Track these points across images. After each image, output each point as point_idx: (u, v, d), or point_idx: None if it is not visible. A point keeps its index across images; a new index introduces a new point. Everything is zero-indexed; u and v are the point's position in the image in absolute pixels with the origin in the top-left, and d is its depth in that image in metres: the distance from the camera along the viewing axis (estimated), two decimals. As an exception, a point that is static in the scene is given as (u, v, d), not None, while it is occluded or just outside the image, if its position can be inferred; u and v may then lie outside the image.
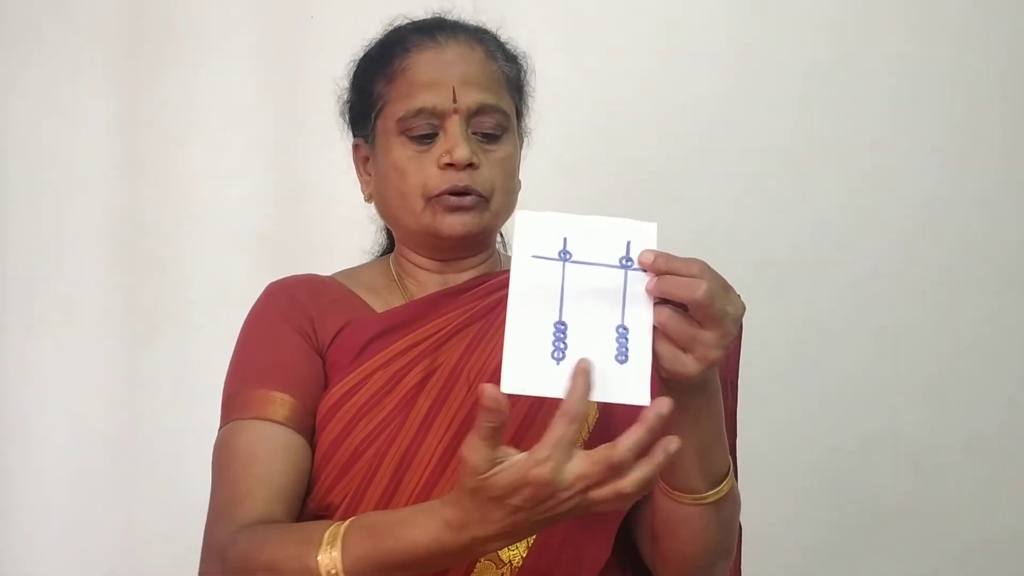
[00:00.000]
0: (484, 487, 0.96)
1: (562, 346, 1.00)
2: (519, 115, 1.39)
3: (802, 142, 2.15)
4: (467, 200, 1.29)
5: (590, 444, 1.12)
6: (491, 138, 1.31)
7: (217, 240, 2.19)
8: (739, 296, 1.03)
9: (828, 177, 2.15)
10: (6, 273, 2.22)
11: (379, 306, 1.34)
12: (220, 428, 1.28)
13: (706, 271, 1.00)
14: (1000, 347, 2.14)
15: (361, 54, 1.40)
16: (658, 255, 1.01)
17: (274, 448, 1.22)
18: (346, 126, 1.42)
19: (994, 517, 2.13)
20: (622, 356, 1.01)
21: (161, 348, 2.18)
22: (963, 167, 2.15)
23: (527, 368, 1.00)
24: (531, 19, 2.12)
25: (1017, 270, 2.15)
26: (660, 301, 1.01)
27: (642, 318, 1.01)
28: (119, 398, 2.19)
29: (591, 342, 1.01)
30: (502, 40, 1.39)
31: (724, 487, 1.14)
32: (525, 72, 1.40)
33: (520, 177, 1.38)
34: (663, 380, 1.05)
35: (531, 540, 1.17)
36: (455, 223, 1.29)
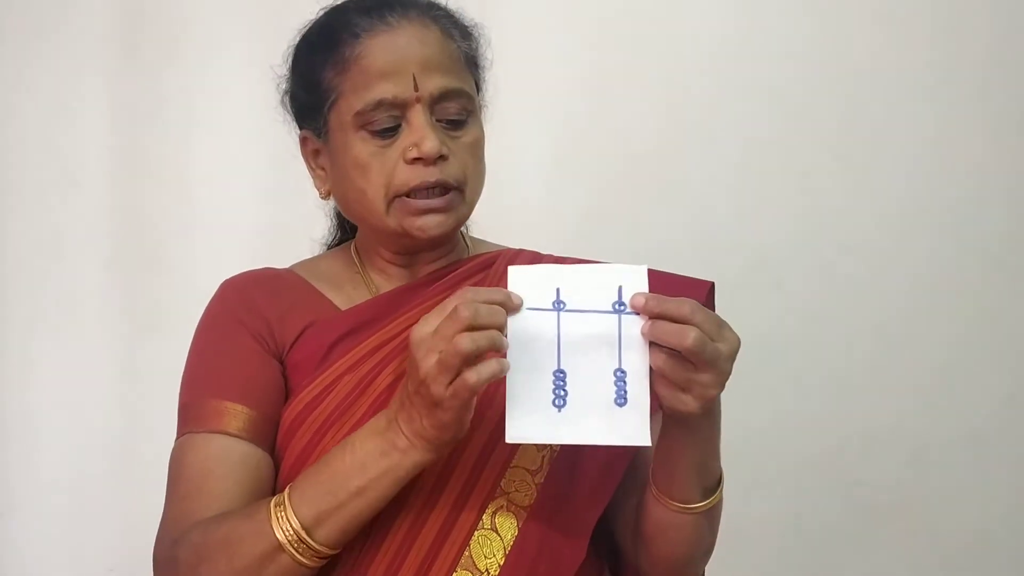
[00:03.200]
0: None
1: (562, 393, 1.04)
2: (478, 90, 1.30)
3: (801, 138, 2.15)
4: (439, 201, 1.21)
5: (558, 461, 1.18)
6: (457, 123, 1.23)
7: (218, 237, 2.20)
8: (733, 332, 1.05)
9: (827, 173, 2.14)
10: (7, 271, 2.23)
11: (342, 302, 1.28)
12: (176, 439, 1.23)
13: (697, 312, 1.02)
14: (1000, 344, 2.14)
15: (299, 39, 1.31)
16: (649, 299, 1.04)
17: (230, 462, 1.17)
18: (289, 116, 1.33)
19: (993, 513, 2.13)
20: (621, 399, 1.04)
21: (162, 345, 2.17)
22: (965, 164, 2.13)
23: (530, 417, 1.04)
24: (523, 10, 2.13)
25: (1017, 267, 2.13)
26: (655, 344, 1.04)
27: (639, 360, 1.05)
28: (120, 395, 2.21)
29: (590, 387, 1.04)
30: (455, 13, 1.29)
31: (718, 495, 1.15)
32: (480, 45, 1.31)
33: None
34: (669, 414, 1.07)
35: (508, 548, 1.15)
36: (428, 225, 1.22)
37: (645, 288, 1.05)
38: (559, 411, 1.04)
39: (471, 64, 1.28)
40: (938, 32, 2.14)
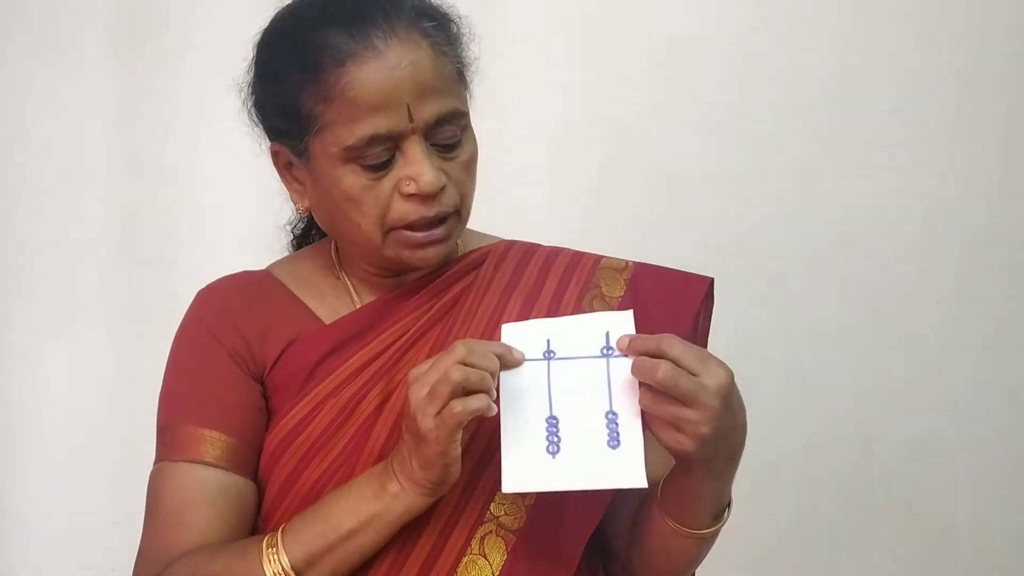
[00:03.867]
0: None
1: (556, 439, 1.06)
2: (467, 86, 1.21)
3: (807, 143, 2.15)
4: (439, 232, 1.16)
5: (540, 502, 1.16)
6: (451, 146, 1.16)
7: (219, 238, 2.20)
8: (721, 365, 1.02)
9: (833, 178, 2.15)
10: (9, 271, 2.24)
11: (325, 313, 1.23)
12: (154, 462, 1.20)
13: (673, 347, 1.02)
14: (1003, 345, 2.14)
15: (264, 48, 1.19)
16: (632, 339, 1.05)
17: (209, 494, 1.15)
18: (254, 123, 1.23)
19: (996, 515, 2.14)
20: (614, 441, 1.05)
21: (163, 346, 2.16)
22: (969, 168, 2.14)
23: (525, 466, 1.05)
24: (521, 9, 2.13)
25: (1018, 266, 2.14)
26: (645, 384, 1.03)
27: (629, 402, 1.06)
28: (121, 396, 2.21)
29: (583, 432, 1.05)
30: (440, 14, 1.18)
31: (725, 518, 1.15)
32: (466, 43, 1.20)
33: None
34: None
35: (497, 573, 1.14)
36: (428, 256, 1.18)
37: (631, 331, 1.07)
38: (553, 457, 1.05)
39: (462, 72, 1.20)
40: (938, 32, 2.14)
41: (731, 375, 1.03)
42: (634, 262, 1.29)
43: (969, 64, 2.12)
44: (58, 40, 2.23)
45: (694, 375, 1.01)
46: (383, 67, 1.11)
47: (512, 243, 1.32)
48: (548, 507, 1.17)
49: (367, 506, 1.08)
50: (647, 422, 1.05)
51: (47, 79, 2.23)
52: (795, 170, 2.15)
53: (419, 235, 1.16)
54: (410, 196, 1.14)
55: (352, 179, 1.14)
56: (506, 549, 1.15)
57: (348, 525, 1.08)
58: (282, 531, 1.10)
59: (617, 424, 1.05)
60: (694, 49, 2.15)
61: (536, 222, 1.93)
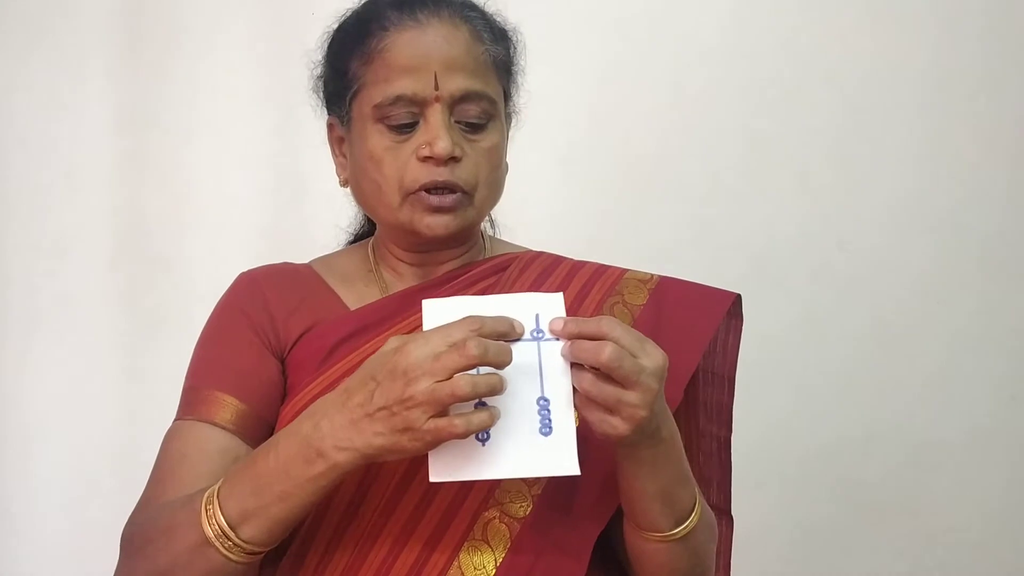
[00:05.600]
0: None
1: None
2: (507, 96, 1.29)
3: (800, 138, 2.15)
4: (448, 200, 1.20)
5: (547, 491, 1.13)
6: (476, 127, 1.22)
7: (219, 237, 2.20)
8: (657, 349, 1.01)
9: (827, 172, 2.15)
10: (9, 272, 2.23)
11: (353, 300, 1.27)
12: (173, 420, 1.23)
13: (614, 328, 1.00)
14: (1001, 344, 2.14)
15: (336, 26, 1.29)
16: (567, 321, 1.02)
17: (207, 451, 1.17)
18: (320, 102, 1.31)
19: (993, 514, 2.13)
20: (546, 428, 1.01)
21: (163, 346, 2.18)
22: (975, 171, 2.13)
23: (452, 454, 1.00)
24: (530, 15, 2.13)
25: (1019, 267, 2.14)
26: (580, 367, 1.01)
27: (561, 387, 1.02)
28: (121, 396, 2.20)
29: (514, 419, 1.01)
30: (490, 15, 1.27)
31: (691, 523, 1.12)
32: (515, 50, 1.30)
33: (507, 161, 1.30)
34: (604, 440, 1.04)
35: (499, 561, 1.12)
36: (435, 224, 1.21)
37: (562, 313, 1.04)
38: (483, 444, 1.00)
39: (500, 68, 1.26)
40: (938, 32, 2.14)
41: (667, 359, 1.02)
42: (660, 275, 1.30)
43: (977, 66, 2.13)
44: (55, 39, 2.22)
45: (634, 357, 1.00)
46: (420, 36, 1.20)
47: (540, 253, 1.35)
48: (556, 498, 1.15)
49: (298, 471, 1.04)
50: (577, 407, 1.03)
51: (47, 80, 2.22)
52: (800, 173, 2.14)
53: (432, 198, 1.20)
54: (425, 159, 1.19)
55: (377, 139, 1.21)
56: (510, 537, 1.13)
57: (280, 487, 1.05)
58: (219, 488, 1.08)
59: (549, 411, 1.01)
60: (703, 53, 2.15)
61: (541, 225, 1.93)
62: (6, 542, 2.20)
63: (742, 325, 1.31)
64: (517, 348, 1.01)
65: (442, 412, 0.98)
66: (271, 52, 2.19)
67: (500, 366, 0.99)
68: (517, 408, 1.01)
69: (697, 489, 1.14)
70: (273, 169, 2.21)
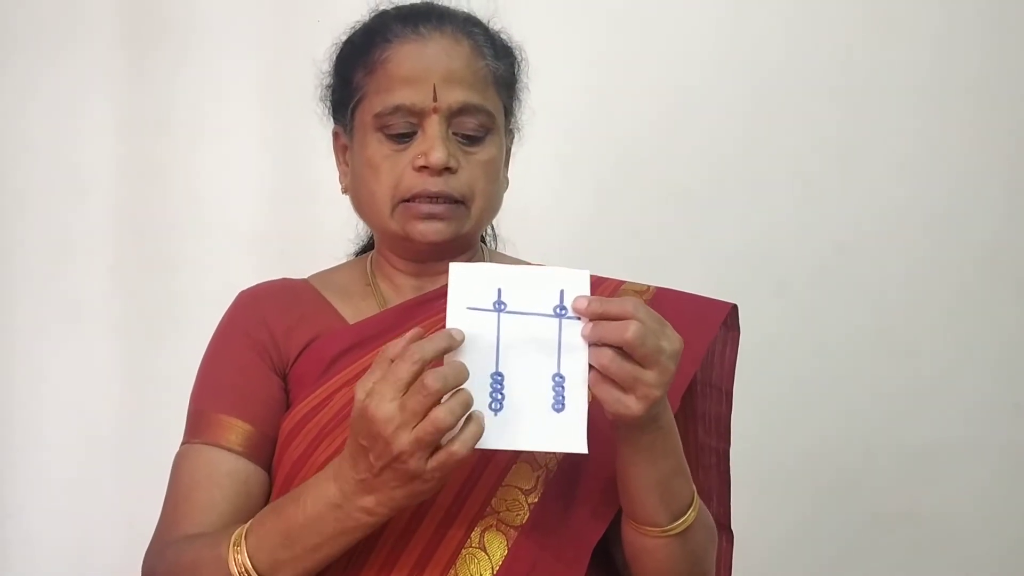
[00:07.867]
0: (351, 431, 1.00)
1: (499, 396, 1.02)
2: (509, 112, 1.32)
3: (810, 147, 2.15)
4: (439, 208, 1.23)
5: (553, 482, 1.15)
6: (473, 140, 1.25)
7: (223, 241, 2.20)
8: (675, 333, 1.03)
9: (836, 183, 2.15)
10: (13, 274, 2.23)
11: (350, 314, 1.29)
12: (180, 444, 1.25)
13: (639, 309, 1.01)
14: (1006, 353, 2.14)
15: (344, 38, 1.33)
16: (591, 300, 1.03)
17: (218, 474, 1.19)
18: (327, 112, 1.35)
19: (999, 524, 2.13)
20: (559, 404, 1.03)
21: (167, 349, 2.18)
22: (975, 177, 2.14)
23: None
24: (531, 8, 2.13)
25: (1019, 270, 2.13)
26: (599, 345, 1.01)
27: (577, 366, 1.03)
28: (125, 399, 2.20)
29: (528, 392, 1.02)
30: (494, 32, 1.31)
31: (688, 517, 1.13)
32: (518, 67, 1.33)
33: (508, 175, 1.33)
34: (613, 421, 1.05)
35: (496, 568, 1.13)
36: (427, 231, 1.24)
37: (587, 292, 1.04)
38: (495, 415, 1.02)
39: (501, 84, 1.29)
40: (937, 33, 2.14)
41: (683, 343, 1.04)
42: (656, 286, 1.31)
43: (977, 73, 2.13)
44: (62, 43, 2.22)
45: (655, 337, 1.02)
46: (422, 49, 1.24)
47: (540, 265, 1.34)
48: (553, 505, 1.16)
49: (330, 526, 1.06)
50: (590, 386, 1.04)
51: (50, 82, 2.23)
52: (801, 178, 2.14)
53: (422, 206, 1.23)
54: (421, 169, 1.22)
55: (376, 147, 1.25)
56: (507, 544, 1.14)
57: (313, 540, 1.07)
58: (245, 533, 1.10)
59: (563, 388, 1.03)
60: (701, 57, 2.15)
61: (539, 228, 1.94)
62: (10, 545, 2.20)
63: (739, 337, 1.32)
64: (537, 322, 1.03)
65: (437, 444, 0.99)
66: (277, 59, 2.20)
67: (460, 383, 0.99)
68: (532, 382, 1.03)
69: (695, 489, 1.15)
70: (279, 175, 2.21)
